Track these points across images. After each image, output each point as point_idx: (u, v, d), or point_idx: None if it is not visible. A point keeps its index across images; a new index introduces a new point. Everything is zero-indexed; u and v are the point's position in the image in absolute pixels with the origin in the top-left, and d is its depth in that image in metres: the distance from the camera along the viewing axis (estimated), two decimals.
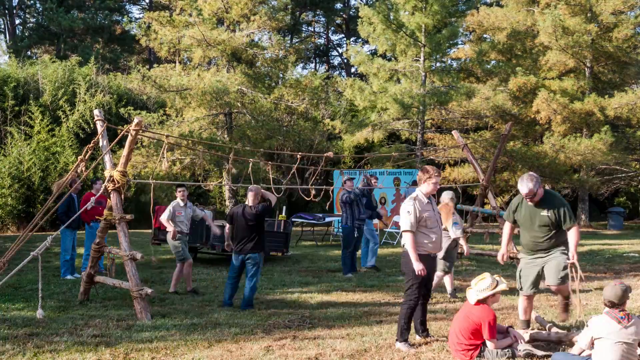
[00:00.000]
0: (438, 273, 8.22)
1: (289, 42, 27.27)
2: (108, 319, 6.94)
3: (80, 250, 10.92)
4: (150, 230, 13.95)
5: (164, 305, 7.88)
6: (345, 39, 40.32)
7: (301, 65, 38.06)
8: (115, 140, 8.22)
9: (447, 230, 8.19)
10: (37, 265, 7.14)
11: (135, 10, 41.94)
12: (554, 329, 5.98)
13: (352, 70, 37.41)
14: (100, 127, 7.84)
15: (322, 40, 43.87)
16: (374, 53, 29.69)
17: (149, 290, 7.15)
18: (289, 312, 7.56)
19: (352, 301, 8.36)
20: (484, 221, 14.88)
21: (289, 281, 9.96)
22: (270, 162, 11.90)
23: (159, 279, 9.94)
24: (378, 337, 6.15)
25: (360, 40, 35.75)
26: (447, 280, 8.62)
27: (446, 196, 8.60)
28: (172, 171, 18.09)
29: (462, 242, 8.54)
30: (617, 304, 4.79)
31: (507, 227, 6.42)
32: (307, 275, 10.65)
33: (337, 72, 41.72)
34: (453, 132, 13.41)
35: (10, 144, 18.28)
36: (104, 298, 8.26)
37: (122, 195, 7.73)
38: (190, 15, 19.18)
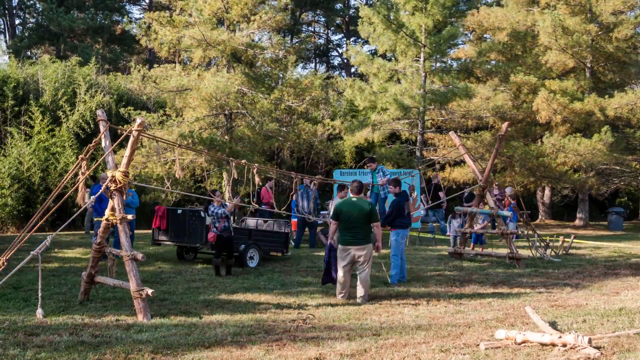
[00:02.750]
0: None
1: (289, 42, 27.26)
2: (108, 319, 6.95)
3: None
4: (149, 231, 13.93)
5: (164, 306, 7.88)
6: (345, 39, 40.35)
7: (301, 65, 38.08)
8: (118, 141, 8.21)
9: None
10: (37, 265, 7.15)
11: (135, 11, 42.01)
12: None
13: (352, 70, 37.41)
14: (102, 127, 7.84)
15: (322, 41, 43.90)
16: (374, 53, 29.70)
17: (150, 291, 7.15)
18: (289, 312, 7.56)
19: (352, 302, 8.36)
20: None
21: (289, 281, 9.96)
22: (278, 170, 12.00)
23: (159, 279, 9.94)
24: (378, 337, 6.15)
25: (360, 40, 35.78)
26: None
27: None
28: (172, 172, 18.09)
29: None
30: None
31: None
32: (307, 275, 10.66)
33: (337, 72, 41.76)
34: (450, 132, 13.44)
35: (10, 144, 18.27)
36: (104, 298, 8.26)
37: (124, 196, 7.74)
38: (190, 15, 19.17)
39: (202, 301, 8.23)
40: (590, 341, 5.45)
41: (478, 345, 5.74)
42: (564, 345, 5.55)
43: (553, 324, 6.48)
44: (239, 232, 11.82)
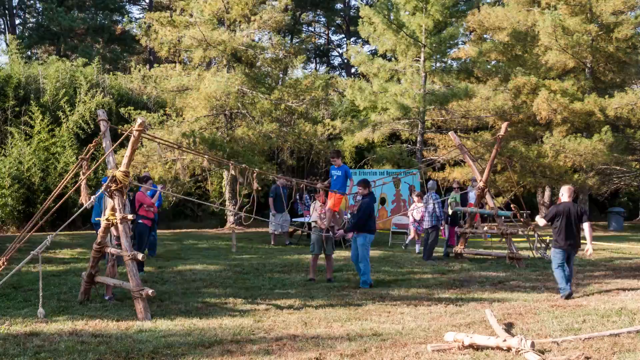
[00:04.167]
0: None
1: (289, 42, 27.29)
2: (108, 319, 6.95)
3: None
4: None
5: (163, 305, 7.88)
6: (345, 39, 40.37)
7: (301, 65, 38.06)
8: (118, 141, 8.21)
9: None
10: (37, 265, 7.15)
11: (135, 10, 42.01)
12: None
13: (353, 70, 37.42)
14: (103, 127, 7.84)
15: (322, 41, 43.91)
16: (374, 53, 29.69)
17: (150, 291, 7.15)
18: (289, 313, 7.56)
19: (352, 301, 8.36)
20: (483, 222, 14.87)
21: (289, 281, 9.96)
22: (280, 176, 11.95)
23: (159, 279, 9.94)
24: (378, 337, 6.15)
25: (360, 40, 35.80)
26: None
27: None
28: (172, 172, 18.09)
29: None
30: None
31: None
32: (307, 275, 10.65)
33: (337, 72, 41.77)
34: (450, 132, 13.44)
35: (11, 144, 18.27)
36: (104, 298, 8.26)
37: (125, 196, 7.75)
38: (190, 15, 19.18)
39: (202, 301, 8.23)
40: (533, 345, 5.33)
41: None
42: (509, 349, 5.44)
43: (508, 328, 6.47)
44: None
